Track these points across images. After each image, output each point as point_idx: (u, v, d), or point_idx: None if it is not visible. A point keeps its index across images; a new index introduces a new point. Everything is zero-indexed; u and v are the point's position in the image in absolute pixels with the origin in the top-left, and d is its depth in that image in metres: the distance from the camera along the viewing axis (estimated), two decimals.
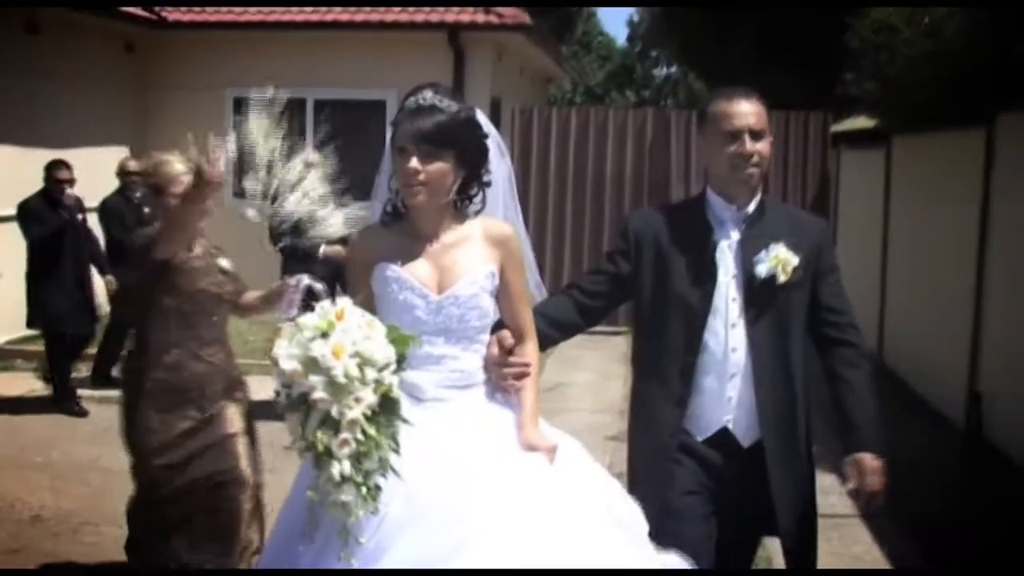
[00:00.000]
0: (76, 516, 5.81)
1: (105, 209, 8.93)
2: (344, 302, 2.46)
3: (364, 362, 2.37)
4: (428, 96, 2.76)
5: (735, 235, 3.23)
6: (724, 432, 3.22)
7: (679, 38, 23.41)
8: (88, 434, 7.45)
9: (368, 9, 12.73)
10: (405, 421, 2.47)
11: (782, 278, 3.15)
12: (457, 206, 2.85)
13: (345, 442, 2.36)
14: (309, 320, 2.42)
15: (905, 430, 7.82)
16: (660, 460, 3.19)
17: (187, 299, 4.37)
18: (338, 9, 12.78)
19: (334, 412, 2.36)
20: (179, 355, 4.36)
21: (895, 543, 5.56)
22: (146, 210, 8.51)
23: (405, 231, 2.84)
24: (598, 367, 9.24)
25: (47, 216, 8.15)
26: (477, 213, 2.88)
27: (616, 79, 47.75)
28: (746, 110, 3.19)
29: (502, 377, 2.86)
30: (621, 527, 2.73)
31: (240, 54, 12.74)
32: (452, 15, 12.62)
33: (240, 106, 12.86)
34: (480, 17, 12.61)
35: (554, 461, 2.72)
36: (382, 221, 2.90)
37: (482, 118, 2.88)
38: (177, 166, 4.43)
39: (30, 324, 8.43)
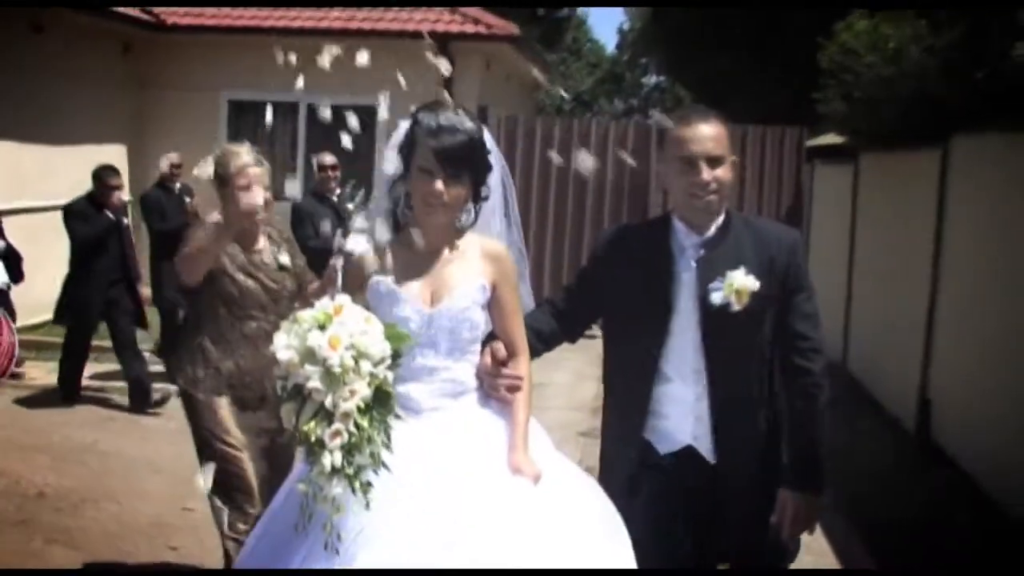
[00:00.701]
0: (76, 493, 6.17)
1: (145, 202, 9.20)
2: (343, 298, 2.49)
3: (360, 355, 2.41)
4: (450, 116, 2.80)
5: (693, 264, 3.15)
6: (690, 449, 3.17)
7: (666, 49, 23.83)
8: (87, 421, 7.83)
9: (361, 17, 13.12)
10: (398, 416, 2.50)
11: (736, 307, 3.06)
12: (459, 223, 2.89)
13: (337, 433, 2.38)
14: (307, 313, 2.46)
15: (862, 433, 8.28)
16: (621, 486, 3.09)
17: (236, 301, 4.34)
18: (333, 15, 13.17)
19: (328, 403, 2.38)
20: (230, 353, 4.35)
21: (846, 544, 5.85)
22: (187, 200, 8.96)
23: (403, 242, 2.85)
24: (575, 368, 9.63)
25: (93, 218, 8.29)
26: (471, 225, 2.92)
27: (605, 86, 48.04)
28: (703, 134, 3.09)
29: (493, 388, 2.87)
30: (608, 535, 2.75)
31: (236, 57, 13.06)
32: (443, 25, 13.02)
33: (235, 108, 13.29)
34: (469, 28, 13.01)
35: (538, 485, 2.70)
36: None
37: (487, 135, 2.91)
38: (244, 157, 4.32)
39: (57, 319, 8.54)
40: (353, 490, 2.40)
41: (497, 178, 2.98)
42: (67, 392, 8.43)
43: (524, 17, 25.55)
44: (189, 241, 4.29)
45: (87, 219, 8.26)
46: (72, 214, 8.31)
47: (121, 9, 12.64)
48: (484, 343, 2.92)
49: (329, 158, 8.49)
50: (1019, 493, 6.15)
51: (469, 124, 2.79)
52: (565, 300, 3.38)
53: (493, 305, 2.92)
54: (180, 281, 4.46)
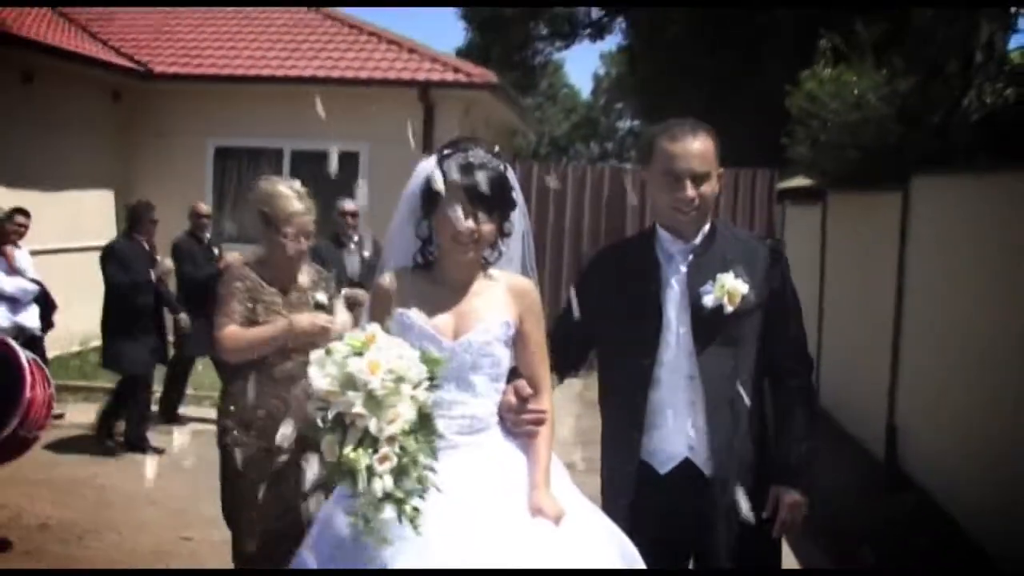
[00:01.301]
0: (78, 525, 6.39)
1: (176, 248, 9.22)
2: (374, 327, 2.53)
3: (399, 378, 2.42)
4: (480, 154, 2.80)
5: (683, 268, 3.18)
6: (686, 463, 3.17)
7: (640, 95, 24.39)
8: (85, 456, 8.05)
9: (344, 65, 13.48)
10: (441, 436, 2.52)
11: (729, 308, 3.10)
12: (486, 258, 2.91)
13: (386, 457, 2.39)
14: (341, 344, 2.48)
15: (831, 461, 8.59)
16: (621, 506, 3.12)
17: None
18: (316, 64, 13.50)
19: (373, 428, 2.39)
20: (264, 398, 4.14)
21: (809, 563, 6.11)
22: (215, 251, 9.10)
23: (431, 278, 2.88)
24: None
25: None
26: (496, 261, 2.93)
27: (580, 131, 48.68)
28: (691, 150, 3.10)
29: (517, 424, 2.85)
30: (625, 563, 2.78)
31: (222, 105, 13.40)
32: (423, 73, 13.37)
33: (221, 155, 13.60)
34: (449, 76, 13.36)
35: (560, 526, 2.70)
36: (413, 267, 2.92)
37: (510, 173, 2.89)
38: (296, 204, 4.23)
39: (106, 365, 8.63)
40: (401, 516, 2.40)
41: (520, 215, 2.95)
42: (102, 440, 8.48)
43: (501, 63, 26.11)
44: (224, 305, 4.13)
45: (124, 262, 8.42)
46: (111, 256, 8.44)
47: (111, 59, 12.98)
48: (508, 381, 2.90)
49: (350, 204, 8.56)
50: (980, 516, 6.46)
51: (496, 162, 2.81)
52: (561, 331, 3.37)
53: (517, 341, 2.90)
54: (218, 349, 4.22)
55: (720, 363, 3.14)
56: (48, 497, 6.94)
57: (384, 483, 2.38)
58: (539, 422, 2.87)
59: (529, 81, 34.05)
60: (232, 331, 4.11)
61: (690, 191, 3.09)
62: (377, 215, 10.57)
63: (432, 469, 2.45)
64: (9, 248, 8.74)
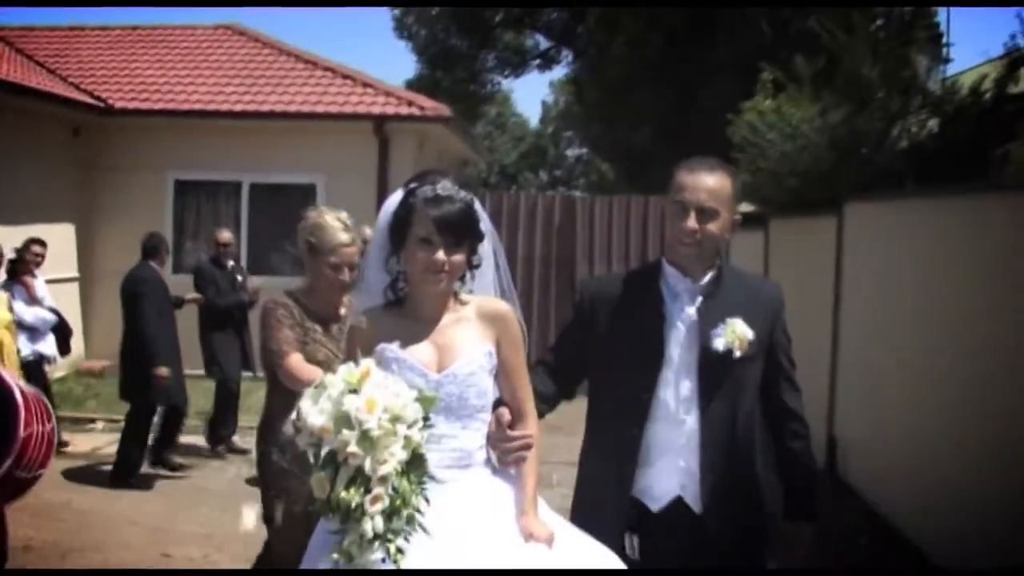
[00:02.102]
0: (60, 546, 6.65)
1: (199, 273, 9.54)
2: (368, 362, 2.49)
3: (395, 418, 2.38)
4: (448, 186, 2.79)
5: (690, 309, 3.16)
6: (678, 501, 3.16)
7: (586, 125, 24.95)
8: (58, 482, 8.27)
9: (300, 100, 13.81)
10: (433, 478, 2.49)
11: (738, 353, 3.09)
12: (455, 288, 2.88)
13: (378, 498, 2.35)
14: (335, 378, 2.44)
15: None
16: (608, 541, 2.97)
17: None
18: (273, 99, 13.82)
19: (366, 468, 2.34)
20: None
21: None
22: (239, 278, 9.36)
23: (405, 314, 2.85)
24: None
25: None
26: (469, 292, 2.91)
27: (529, 159, 49.15)
28: (701, 184, 3.09)
29: (503, 452, 2.82)
30: None
31: (181, 140, 13.64)
32: (378, 107, 13.72)
33: (180, 188, 13.86)
34: (404, 110, 13.72)
35: (552, 548, 2.72)
36: (384, 304, 2.89)
37: (478, 205, 2.87)
38: (341, 236, 4.22)
39: (123, 396, 8.63)
40: (387, 556, 2.38)
41: (489, 246, 2.94)
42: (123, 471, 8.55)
43: (451, 94, 26.57)
44: (278, 333, 4.11)
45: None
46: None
47: (71, 95, 13.21)
48: (492, 409, 2.87)
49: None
50: (916, 520, 6.90)
51: (464, 193, 2.80)
52: (554, 357, 3.38)
53: (498, 366, 2.88)
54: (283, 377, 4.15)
55: (720, 406, 3.13)
56: (28, 522, 7.13)
57: (375, 524, 2.34)
58: (526, 447, 2.83)
59: (479, 111, 34.56)
60: (298, 360, 4.09)
61: (691, 223, 3.07)
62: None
63: (420, 511, 2.41)
64: (28, 278, 9.02)
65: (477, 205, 2.85)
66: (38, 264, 9.18)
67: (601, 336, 3.23)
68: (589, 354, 3.28)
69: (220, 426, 9.39)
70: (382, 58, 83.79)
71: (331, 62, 15.17)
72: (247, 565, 6.29)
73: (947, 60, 19.91)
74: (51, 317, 9.02)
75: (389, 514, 2.36)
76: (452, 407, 2.74)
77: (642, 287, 3.24)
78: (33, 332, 8.79)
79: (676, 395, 3.14)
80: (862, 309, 8.43)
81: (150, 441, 8.69)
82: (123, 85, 14.25)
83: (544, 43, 30.67)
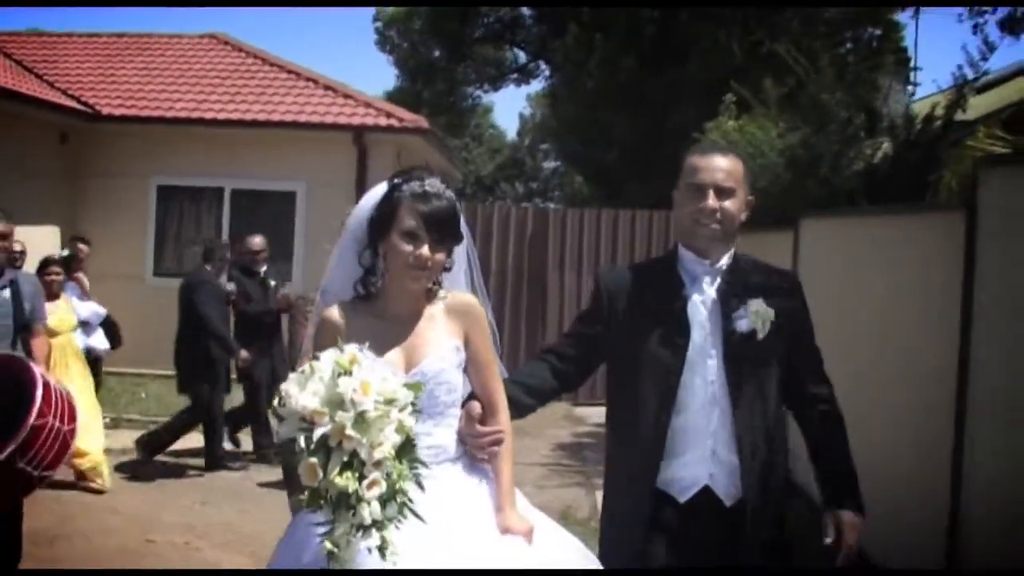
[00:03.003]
0: (47, 532, 6.92)
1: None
2: (352, 348, 2.42)
3: (388, 400, 2.34)
4: (435, 183, 2.77)
5: (710, 290, 3.12)
6: (706, 491, 3.08)
7: (562, 139, 25.43)
8: None
9: (283, 110, 14.20)
10: (424, 464, 2.44)
11: (761, 334, 3.05)
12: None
13: (375, 483, 2.30)
14: (323, 363, 2.37)
15: None
16: (634, 537, 3.06)
17: None
18: (256, 108, 14.21)
19: (362, 452, 2.29)
20: None
21: None
22: (272, 283, 9.40)
23: (375, 310, 2.82)
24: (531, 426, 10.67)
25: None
26: (436, 291, 2.88)
27: (506, 171, 49.54)
28: (716, 165, 3.10)
29: (476, 447, 2.80)
30: None
31: (166, 146, 13.99)
32: (358, 118, 14.11)
33: (164, 193, 14.19)
34: (383, 121, 14.11)
35: (531, 542, 2.71)
36: (353, 298, 2.86)
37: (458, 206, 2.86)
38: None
39: (182, 390, 9.07)
40: (378, 548, 2.34)
41: (463, 248, 2.96)
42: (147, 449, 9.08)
43: (431, 106, 27.02)
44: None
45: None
46: (193, 288, 8.93)
47: (60, 100, 13.53)
48: (463, 404, 2.86)
49: None
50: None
51: (449, 192, 2.79)
52: (567, 345, 3.31)
53: (468, 359, 2.87)
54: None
55: (747, 390, 3.07)
56: None
57: (372, 509, 2.29)
58: (497, 442, 2.82)
59: (457, 123, 34.99)
60: None
61: (712, 201, 3.06)
62: (312, 251, 11.35)
63: (411, 499, 2.37)
64: (79, 275, 9.41)
65: (458, 207, 2.87)
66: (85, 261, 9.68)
67: (621, 326, 3.16)
68: (608, 346, 3.20)
69: (258, 435, 9.37)
70: (364, 69, 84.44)
71: (313, 73, 15.57)
72: (228, 552, 6.72)
73: (914, 84, 20.56)
74: (102, 311, 9.48)
75: (384, 500, 2.31)
76: (423, 405, 2.62)
77: (660, 273, 3.19)
78: (86, 326, 9.23)
79: (704, 379, 3.08)
80: (814, 319, 8.87)
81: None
82: (110, 91, 14.59)
83: (522, 57, 31.17)
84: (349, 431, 2.28)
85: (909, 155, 9.32)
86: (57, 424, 4.62)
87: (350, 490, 2.28)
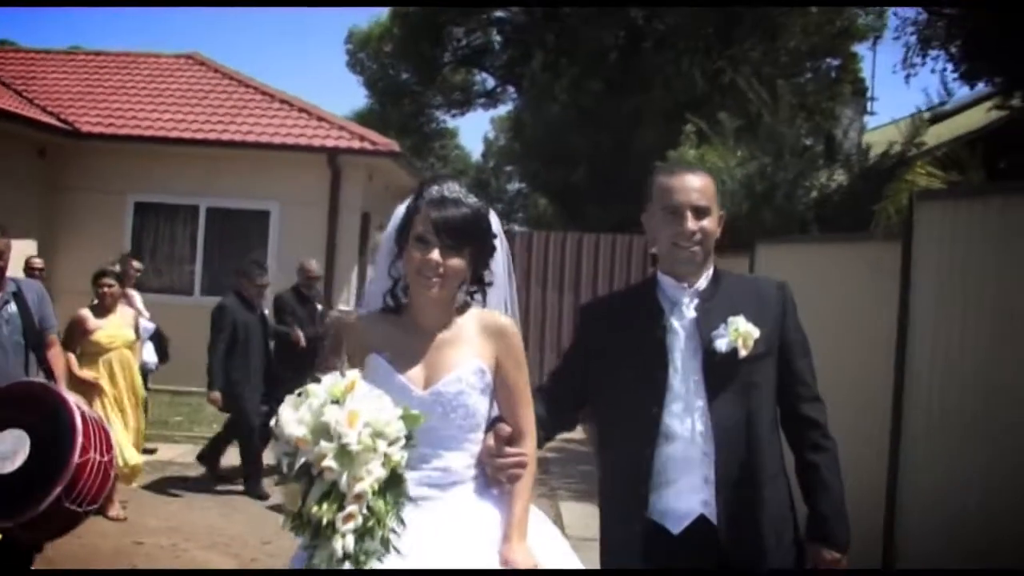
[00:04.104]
0: None
1: (279, 304, 9.51)
2: (353, 374, 2.37)
3: (376, 434, 2.28)
4: (454, 188, 2.68)
5: (689, 312, 2.99)
6: (701, 520, 2.94)
7: (526, 162, 25.95)
8: None
9: (259, 131, 14.58)
10: (411, 500, 2.38)
11: (743, 352, 2.91)
12: (457, 302, 2.75)
13: (351, 516, 2.24)
14: (319, 387, 2.34)
15: None
16: (628, 569, 2.95)
17: None
18: (232, 129, 14.56)
19: (342, 484, 2.24)
20: None
21: None
22: (319, 307, 9.38)
23: (402, 322, 2.72)
24: None
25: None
26: (470, 306, 2.78)
27: (470, 192, 49.85)
28: (690, 185, 2.97)
29: (497, 469, 2.66)
30: None
31: (143, 163, 14.32)
32: (332, 140, 14.51)
33: (140, 209, 14.50)
34: (356, 144, 14.52)
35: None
36: (382, 310, 2.78)
37: (493, 217, 2.78)
38: None
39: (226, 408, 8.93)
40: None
41: (503, 264, 2.85)
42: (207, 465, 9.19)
43: (399, 128, 27.47)
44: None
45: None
46: (221, 311, 8.81)
47: (39, 117, 13.82)
48: (489, 427, 2.73)
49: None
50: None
51: (473, 200, 2.68)
52: (554, 384, 3.22)
53: (497, 385, 2.72)
54: None
55: (733, 412, 2.94)
56: None
57: (345, 543, 2.25)
58: (520, 465, 2.68)
59: (423, 145, 35.44)
60: None
61: (690, 223, 2.94)
62: (286, 269, 11.70)
63: (396, 532, 2.31)
64: (130, 291, 9.66)
65: (492, 216, 2.78)
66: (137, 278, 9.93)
67: (603, 357, 3.08)
68: (592, 378, 3.11)
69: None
70: (334, 89, 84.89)
71: (287, 95, 15.97)
72: (213, 553, 7.08)
73: (871, 113, 21.24)
74: (152, 326, 9.62)
75: (361, 534, 2.26)
76: (435, 427, 2.57)
77: (639, 301, 3.09)
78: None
79: (687, 406, 2.96)
80: None
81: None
82: (88, 109, 14.90)
83: (490, 82, 31.69)
84: (329, 462, 2.25)
85: (860, 186, 9.88)
86: (98, 457, 4.48)
87: (325, 521, 2.25)
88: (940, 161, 7.36)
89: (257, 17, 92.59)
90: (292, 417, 2.31)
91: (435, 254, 2.62)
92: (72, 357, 7.55)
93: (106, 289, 8.00)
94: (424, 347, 2.69)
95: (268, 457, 8.37)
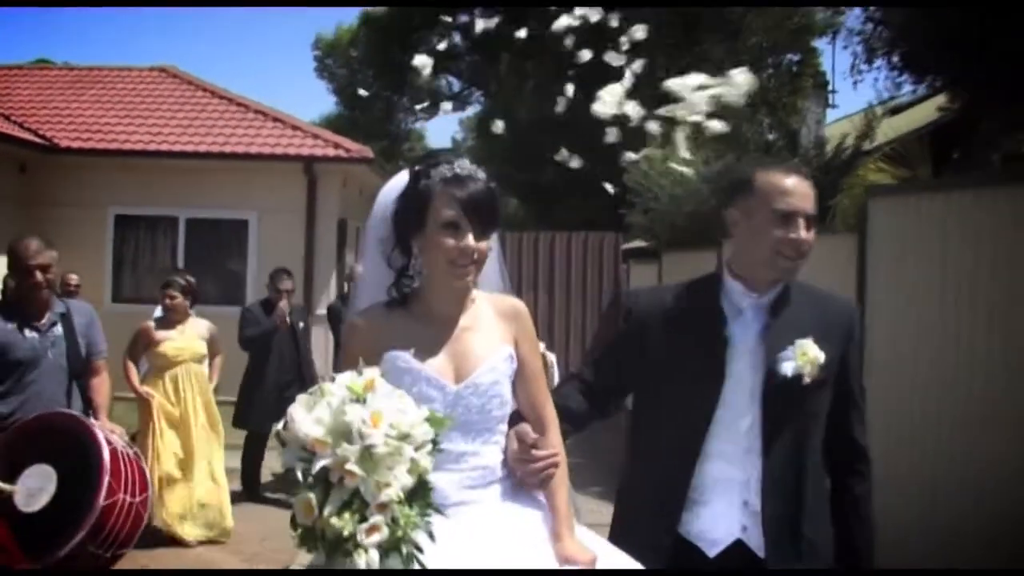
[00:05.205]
0: None
1: (332, 314, 9.65)
2: (372, 372, 2.16)
3: (402, 436, 2.07)
4: (465, 164, 2.47)
5: (754, 326, 2.81)
6: (738, 545, 2.79)
7: (497, 164, 26.29)
8: None
9: (235, 141, 14.81)
10: (439, 511, 2.14)
11: (808, 379, 2.73)
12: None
13: (375, 528, 2.02)
14: (335, 386, 2.13)
15: None
16: None
17: None
18: (209, 140, 14.81)
19: (365, 491, 2.03)
20: None
21: None
22: (300, 324, 9.41)
23: (414, 314, 2.50)
24: None
25: (261, 320, 8.89)
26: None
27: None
28: (806, 191, 2.78)
29: (529, 474, 2.48)
30: None
31: (122, 177, 14.51)
32: (307, 149, 14.78)
33: (120, 222, 14.73)
34: (331, 151, 14.79)
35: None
36: (388, 304, 2.52)
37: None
38: None
39: (236, 423, 8.89)
40: None
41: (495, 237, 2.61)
42: (249, 491, 8.99)
43: (368, 132, 27.75)
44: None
45: (251, 322, 8.88)
46: (243, 317, 8.88)
47: (18, 133, 14.02)
48: (509, 422, 2.55)
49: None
50: None
51: (482, 172, 2.49)
52: (594, 373, 3.02)
53: (516, 369, 2.55)
54: None
55: (786, 438, 2.77)
56: None
57: (370, 558, 2.02)
58: (554, 466, 2.50)
59: (393, 148, 35.71)
60: None
61: (804, 233, 2.76)
62: (265, 277, 11.97)
63: (420, 548, 2.08)
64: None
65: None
66: None
67: (652, 355, 2.88)
68: (636, 373, 2.93)
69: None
70: (302, 95, 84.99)
71: (262, 105, 16.21)
72: (216, 551, 7.36)
73: (832, 106, 21.71)
74: None
75: (387, 548, 2.04)
76: (472, 421, 2.42)
77: (700, 302, 2.89)
78: None
79: (737, 425, 2.79)
80: None
81: None
82: (65, 124, 15.07)
83: (456, 85, 31.99)
84: (352, 467, 2.02)
85: (819, 180, 10.30)
86: (128, 498, 4.17)
87: (346, 533, 2.01)
88: (890, 157, 7.79)
89: (220, 22, 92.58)
90: (307, 417, 2.08)
91: (470, 239, 2.42)
92: (132, 368, 7.45)
93: (169, 301, 7.67)
94: (445, 337, 2.49)
95: (270, 466, 8.75)
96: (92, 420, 4.92)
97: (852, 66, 10.70)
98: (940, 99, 10.99)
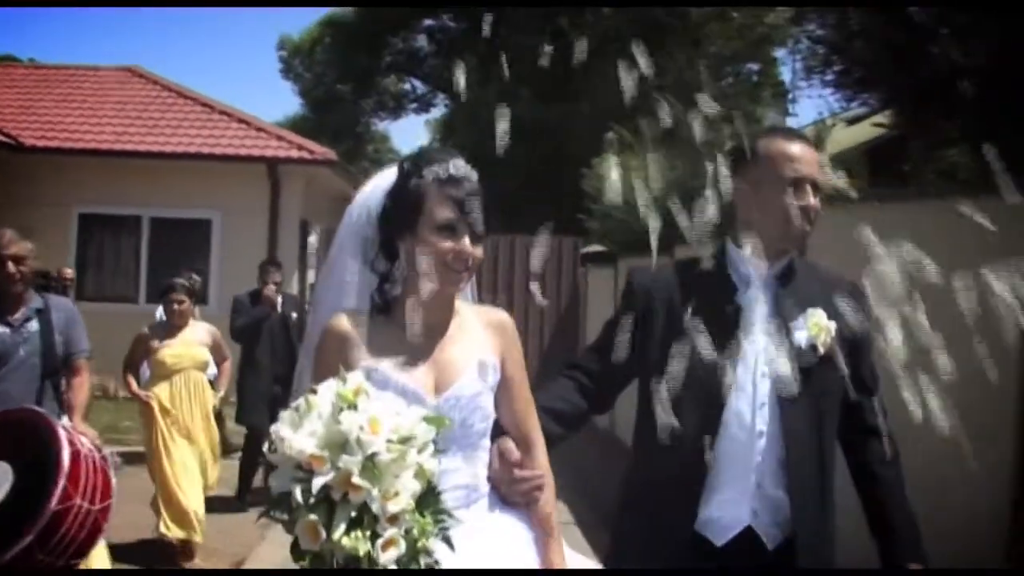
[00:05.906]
0: None
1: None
2: (357, 376, 2.01)
3: (403, 439, 1.92)
4: (460, 164, 2.34)
5: (764, 297, 2.69)
6: (747, 532, 2.64)
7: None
8: None
9: (200, 142, 14.97)
10: (451, 516, 2.01)
11: (822, 349, 2.63)
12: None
13: (391, 542, 1.87)
14: (322, 395, 1.96)
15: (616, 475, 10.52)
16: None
17: None
18: (175, 140, 14.94)
19: (374, 505, 1.87)
20: None
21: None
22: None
23: (394, 323, 2.34)
24: None
25: (247, 311, 8.62)
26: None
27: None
28: (812, 157, 2.68)
29: (515, 495, 2.39)
30: None
31: (86, 176, 14.61)
32: (271, 150, 14.95)
33: (84, 221, 14.79)
34: (294, 153, 14.96)
35: None
36: (369, 313, 2.37)
37: None
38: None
39: (237, 420, 8.70)
40: None
41: None
42: (239, 495, 8.59)
43: (333, 134, 27.87)
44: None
45: (240, 312, 8.61)
46: (233, 308, 8.70)
47: None
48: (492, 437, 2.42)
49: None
50: None
51: (475, 173, 2.37)
52: (596, 361, 2.84)
53: (500, 387, 2.41)
54: None
55: (800, 416, 2.63)
56: None
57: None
58: (539, 487, 2.40)
59: (358, 150, 35.82)
60: None
61: (813, 199, 2.65)
62: (228, 277, 12.16)
63: (435, 559, 1.96)
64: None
65: None
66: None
67: (660, 334, 2.70)
68: (644, 356, 2.72)
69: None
70: (268, 96, 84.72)
71: (227, 107, 16.36)
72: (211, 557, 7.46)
73: (792, 115, 22.10)
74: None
75: (407, 562, 1.89)
76: (454, 436, 2.24)
77: (706, 277, 2.75)
78: None
79: (752, 401, 2.64)
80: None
81: None
82: (30, 123, 15.16)
83: (421, 88, 32.18)
84: (357, 479, 1.86)
85: None
86: (85, 505, 3.84)
87: (361, 553, 1.85)
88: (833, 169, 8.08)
89: (187, 23, 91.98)
90: (297, 432, 1.92)
91: (466, 243, 2.29)
92: (130, 376, 7.22)
93: (176, 305, 7.22)
94: (427, 346, 2.34)
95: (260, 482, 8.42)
96: (62, 421, 4.51)
97: (791, 81, 11.03)
98: (879, 116, 11.34)
